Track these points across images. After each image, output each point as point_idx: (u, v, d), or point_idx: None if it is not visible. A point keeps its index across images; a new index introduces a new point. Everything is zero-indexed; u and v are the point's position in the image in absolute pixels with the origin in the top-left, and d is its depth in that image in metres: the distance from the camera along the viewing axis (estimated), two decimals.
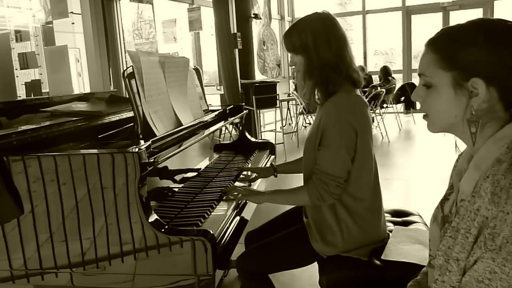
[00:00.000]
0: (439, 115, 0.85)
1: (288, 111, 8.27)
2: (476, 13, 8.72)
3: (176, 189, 1.57)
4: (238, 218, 1.48)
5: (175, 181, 1.58)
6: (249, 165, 2.08)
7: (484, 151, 0.80)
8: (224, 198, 1.59)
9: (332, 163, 1.38)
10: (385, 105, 7.34)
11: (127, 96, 1.43)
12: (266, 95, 5.77)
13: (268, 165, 2.12)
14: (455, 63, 0.80)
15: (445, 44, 0.82)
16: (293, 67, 1.53)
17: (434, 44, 0.84)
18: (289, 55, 1.53)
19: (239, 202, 1.56)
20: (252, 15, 6.65)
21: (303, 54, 1.45)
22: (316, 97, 1.48)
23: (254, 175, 1.91)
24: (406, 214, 1.79)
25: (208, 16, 6.08)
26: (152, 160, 1.21)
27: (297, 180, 1.60)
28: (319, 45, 1.42)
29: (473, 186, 0.79)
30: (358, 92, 1.49)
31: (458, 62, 0.79)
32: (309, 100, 1.50)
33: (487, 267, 0.71)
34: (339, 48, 1.43)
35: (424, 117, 0.88)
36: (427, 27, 9.30)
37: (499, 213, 0.71)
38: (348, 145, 1.38)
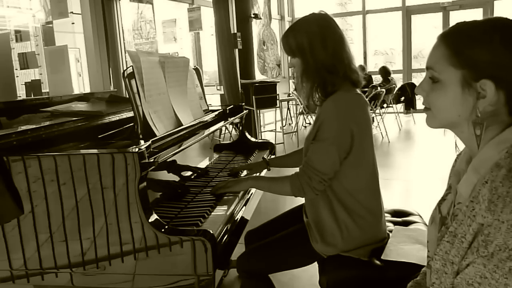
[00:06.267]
0: (442, 112, 0.83)
1: (288, 111, 8.28)
2: (476, 13, 8.72)
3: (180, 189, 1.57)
4: (238, 218, 1.48)
5: (180, 177, 1.58)
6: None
7: (484, 154, 0.79)
8: (212, 190, 1.59)
9: (320, 158, 1.38)
10: (385, 105, 7.34)
11: (127, 96, 1.43)
12: (266, 95, 5.77)
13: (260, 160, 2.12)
14: (467, 61, 0.78)
15: (459, 40, 0.79)
16: (292, 69, 1.53)
17: (447, 38, 0.81)
18: (288, 57, 1.53)
19: (239, 202, 1.56)
20: (252, 15, 6.65)
21: (300, 56, 1.45)
22: (315, 99, 1.48)
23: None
24: (406, 214, 1.79)
25: (208, 16, 6.08)
26: (152, 160, 1.21)
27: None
28: (314, 47, 1.41)
29: (471, 190, 0.78)
30: (358, 91, 1.49)
31: (470, 61, 0.77)
32: (307, 102, 1.49)
33: (478, 272, 0.71)
34: (335, 49, 1.42)
35: (425, 110, 0.87)
36: (427, 27, 9.30)
37: (494, 221, 0.71)
38: (339, 144, 1.38)
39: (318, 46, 1.41)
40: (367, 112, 1.47)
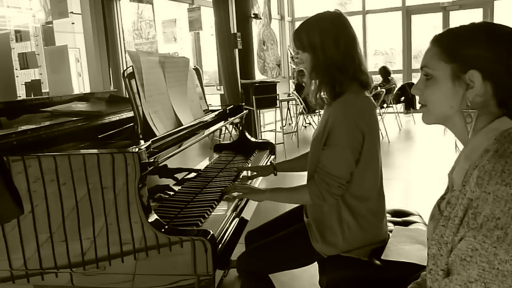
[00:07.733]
0: (436, 106, 0.91)
1: (288, 111, 8.27)
2: (476, 13, 8.71)
3: (176, 189, 1.57)
4: (238, 218, 1.48)
5: (175, 180, 1.58)
6: (249, 165, 2.07)
7: (475, 142, 0.85)
8: (224, 198, 1.59)
9: (335, 164, 1.38)
10: (385, 105, 7.34)
11: (127, 96, 1.43)
12: (266, 95, 5.77)
13: (268, 164, 2.12)
14: (455, 56, 0.86)
15: (449, 40, 0.89)
16: (294, 67, 1.53)
17: (438, 40, 0.91)
18: (292, 53, 1.53)
19: (239, 202, 1.56)
20: (252, 15, 6.65)
21: (310, 52, 1.45)
22: (323, 97, 1.47)
23: (254, 173, 1.91)
24: (406, 214, 1.79)
25: (208, 16, 6.08)
26: (152, 160, 1.21)
27: (298, 178, 1.59)
28: (326, 44, 1.41)
29: (463, 175, 0.83)
30: (366, 93, 1.48)
31: (458, 56, 0.86)
32: (315, 99, 1.49)
33: (469, 245, 0.75)
34: (347, 48, 1.42)
35: (421, 107, 0.94)
36: (427, 27, 9.30)
37: (481, 193, 0.75)
38: (353, 147, 1.38)
39: (330, 44, 1.41)
40: (375, 115, 1.47)
